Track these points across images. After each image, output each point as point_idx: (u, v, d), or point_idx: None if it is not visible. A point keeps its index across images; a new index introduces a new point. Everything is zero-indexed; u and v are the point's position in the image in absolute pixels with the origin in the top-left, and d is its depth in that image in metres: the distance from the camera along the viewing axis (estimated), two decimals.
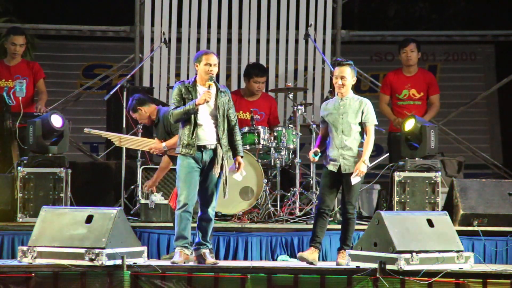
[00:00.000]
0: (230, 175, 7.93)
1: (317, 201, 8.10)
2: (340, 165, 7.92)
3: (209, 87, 7.77)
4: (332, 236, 8.63)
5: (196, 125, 7.81)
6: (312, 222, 8.20)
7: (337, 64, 8.02)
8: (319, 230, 7.96)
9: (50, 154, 9.27)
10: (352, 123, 7.93)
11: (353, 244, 8.10)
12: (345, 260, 7.82)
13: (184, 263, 7.77)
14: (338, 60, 8.14)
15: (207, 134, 7.84)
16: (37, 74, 10.24)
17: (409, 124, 9.41)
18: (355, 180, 7.85)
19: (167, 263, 7.90)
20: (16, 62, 10.25)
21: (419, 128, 9.32)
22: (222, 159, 7.85)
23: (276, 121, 10.45)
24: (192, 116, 7.79)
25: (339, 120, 7.93)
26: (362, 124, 7.97)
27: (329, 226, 8.32)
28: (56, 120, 9.33)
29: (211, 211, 7.87)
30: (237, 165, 7.96)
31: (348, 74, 7.93)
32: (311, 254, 7.91)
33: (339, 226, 8.17)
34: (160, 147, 8.43)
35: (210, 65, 7.83)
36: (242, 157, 8.00)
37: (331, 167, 7.94)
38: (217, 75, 8.05)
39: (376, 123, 8.01)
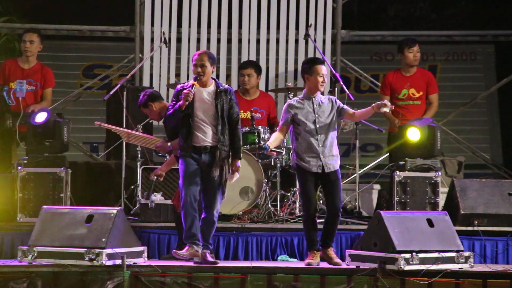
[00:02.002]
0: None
1: (303, 206, 7.99)
2: (323, 165, 7.89)
3: (192, 86, 7.75)
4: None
5: (191, 127, 7.81)
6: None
7: (320, 62, 7.97)
8: (315, 233, 7.93)
9: (47, 154, 9.26)
10: (329, 121, 7.91)
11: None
12: (339, 259, 7.81)
13: (193, 259, 7.75)
14: (320, 59, 8.10)
15: (206, 134, 7.83)
16: (47, 81, 10.19)
17: (414, 134, 9.29)
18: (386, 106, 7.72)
19: (167, 263, 7.90)
20: (31, 65, 10.21)
21: (427, 132, 9.28)
22: (222, 161, 7.85)
23: (275, 120, 10.45)
24: (189, 117, 7.78)
25: (316, 119, 7.90)
26: (339, 118, 8.00)
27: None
28: (39, 117, 9.26)
29: (215, 214, 7.87)
30: (233, 168, 7.94)
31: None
32: (316, 258, 7.90)
33: (343, 226, 8.12)
34: (166, 146, 8.44)
35: (197, 66, 7.85)
36: (240, 159, 7.99)
37: (314, 168, 7.88)
38: (217, 75, 8.05)
39: None
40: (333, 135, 7.94)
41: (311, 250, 7.92)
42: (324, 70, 7.92)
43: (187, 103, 7.73)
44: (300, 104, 7.95)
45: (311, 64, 7.94)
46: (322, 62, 7.98)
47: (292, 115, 7.94)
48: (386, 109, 7.78)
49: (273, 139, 8.04)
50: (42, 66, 10.35)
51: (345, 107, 7.98)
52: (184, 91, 7.73)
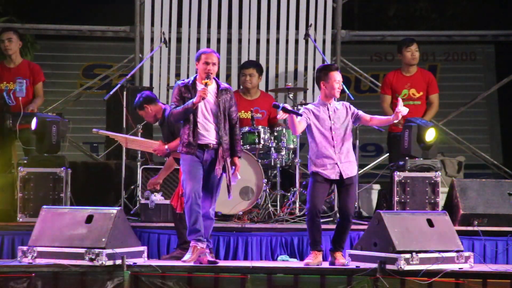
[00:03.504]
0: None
1: (307, 205, 7.98)
2: (340, 171, 7.86)
3: (205, 84, 7.76)
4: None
5: (196, 124, 7.82)
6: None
7: (335, 69, 7.94)
8: (317, 233, 7.90)
9: (45, 154, 9.28)
10: (344, 127, 7.89)
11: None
12: (345, 260, 7.80)
13: (200, 256, 7.74)
14: (335, 65, 8.08)
15: (208, 132, 7.84)
16: (36, 76, 10.17)
17: (431, 135, 9.36)
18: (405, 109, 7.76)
19: (167, 263, 7.90)
20: (17, 63, 10.21)
21: (438, 133, 9.38)
22: (224, 159, 7.85)
23: (275, 120, 10.46)
24: (192, 115, 7.79)
25: (332, 126, 7.86)
26: (354, 124, 7.98)
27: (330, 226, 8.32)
28: (32, 124, 9.30)
29: (211, 211, 7.88)
30: (232, 167, 7.93)
31: None
32: (316, 258, 7.88)
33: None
34: (163, 149, 8.44)
35: (208, 63, 7.84)
36: (239, 157, 7.99)
37: (332, 175, 7.83)
38: (217, 75, 8.05)
39: None
40: (349, 141, 7.92)
41: (312, 249, 7.92)
42: (339, 76, 7.90)
43: (203, 100, 7.75)
44: (317, 111, 7.91)
45: (327, 71, 7.91)
46: (337, 68, 7.94)
47: (308, 117, 7.86)
48: (404, 110, 7.76)
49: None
50: (28, 62, 10.36)
51: (360, 112, 7.95)
52: (200, 89, 7.73)
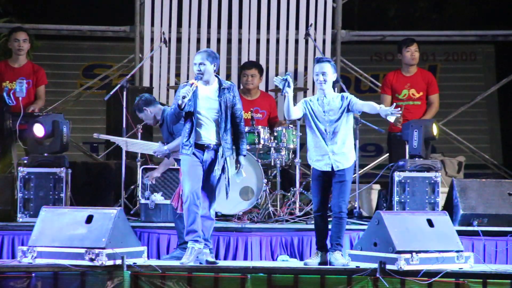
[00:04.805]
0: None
1: (312, 206, 7.98)
2: (332, 163, 7.87)
3: (191, 84, 7.73)
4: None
5: (196, 124, 7.79)
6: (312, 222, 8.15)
7: (316, 61, 7.95)
8: (319, 233, 7.90)
9: (46, 154, 9.27)
10: (339, 118, 7.84)
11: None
12: (345, 260, 7.79)
13: (198, 257, 7.73)
14: (317, 58, 8.04)
15: (209, 132, 7.80)
16: (39, 79, 10.21)
17: (435, 130, 9.51)
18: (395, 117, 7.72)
19: (167, 263, 7.90)
20: (22, 63, 10.23)
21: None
22: (224, 160, 7.84)
23: (276, 120, 10.46)
24: (192, 115, 7.78)
25: (325, 118, 7.86)
26: (352, 113, 7.91)
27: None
28: (38, 132, 9.31)
29: (211, 211, 7.87)
30: (237, 165, 7.94)
31: (328, 70, 7.89)
32: (316, 258, 7.87)
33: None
34: (163, 150, 8.44)
35: (196, 64, 7.83)
36: (244, 155, 7.97)
37: (324, 167, 7.84)
38: (217, 75, 8.03)
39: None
40: (345, 132, 7.85)
41: (316, 249, 7.94)
42: (318, 68, 7.85)
43: (185, 100, 7.69)
44: (312, 103, 7.91)
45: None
46: (319, 61, 7.91)
47: (304, 106, 7.89)
48: (392, 119, 7.75)
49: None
50: (33, 64, 10.37)
51: (353, 100, 7.84)
52: (183, 90, 7.72)
